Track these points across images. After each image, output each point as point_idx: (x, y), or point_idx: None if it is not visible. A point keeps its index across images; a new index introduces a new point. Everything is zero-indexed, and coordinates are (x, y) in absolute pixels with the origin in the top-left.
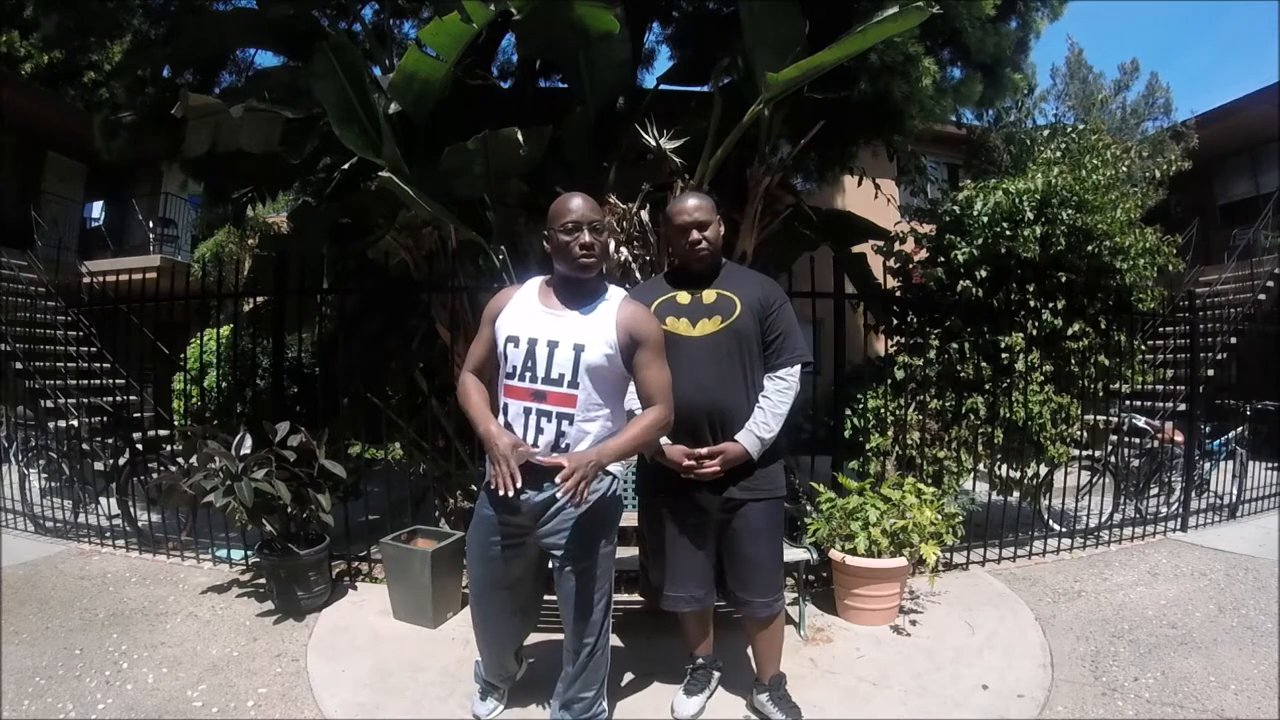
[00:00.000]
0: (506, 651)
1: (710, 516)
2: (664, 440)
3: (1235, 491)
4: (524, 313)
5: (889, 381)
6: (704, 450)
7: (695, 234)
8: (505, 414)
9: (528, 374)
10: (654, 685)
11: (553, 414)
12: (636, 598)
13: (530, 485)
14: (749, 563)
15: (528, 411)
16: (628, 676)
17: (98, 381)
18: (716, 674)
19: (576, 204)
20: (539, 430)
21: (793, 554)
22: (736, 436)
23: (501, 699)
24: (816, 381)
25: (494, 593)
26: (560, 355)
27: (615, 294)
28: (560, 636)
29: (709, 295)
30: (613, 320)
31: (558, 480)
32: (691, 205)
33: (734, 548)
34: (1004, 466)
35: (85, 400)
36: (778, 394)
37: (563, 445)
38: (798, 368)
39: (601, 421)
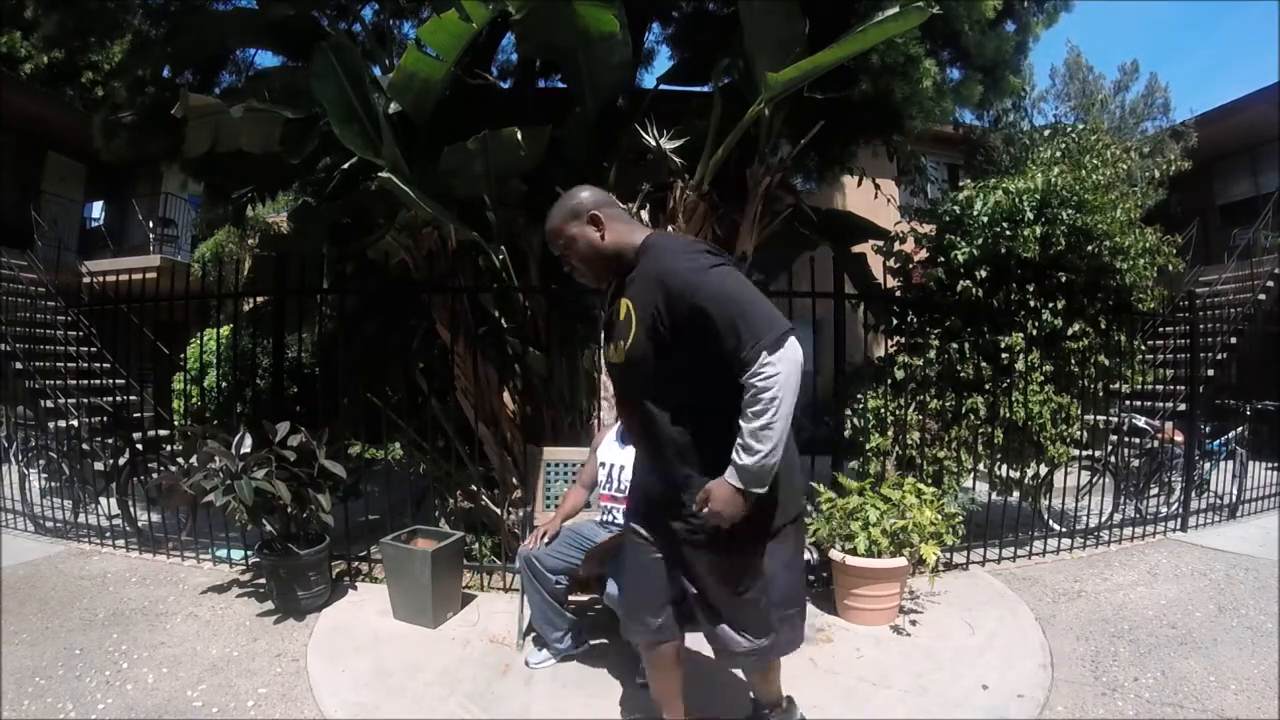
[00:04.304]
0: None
1: None
2: None
3: (1235, 491)
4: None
5: (889, 381)
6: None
7: (561, 256)
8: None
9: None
10: None
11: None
12: None
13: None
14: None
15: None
16: None
17: (98, 381)
18: None
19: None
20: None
21: None
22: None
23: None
24: (817, 382)
25: None
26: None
27: None
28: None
29: (621, 309)
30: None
31: None
32: (546, 227)
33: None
34: (1004, 466)
35: (85, 400)
36: (748, 408)
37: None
38: (760, 357)
39: None
